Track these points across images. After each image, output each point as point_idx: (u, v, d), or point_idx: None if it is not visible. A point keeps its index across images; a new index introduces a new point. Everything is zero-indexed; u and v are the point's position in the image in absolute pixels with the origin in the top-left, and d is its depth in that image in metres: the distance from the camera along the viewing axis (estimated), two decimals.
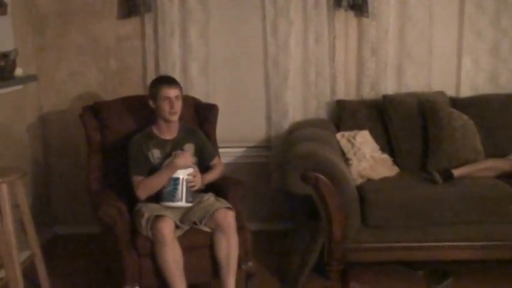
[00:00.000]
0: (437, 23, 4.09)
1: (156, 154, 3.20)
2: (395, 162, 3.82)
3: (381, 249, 3.42)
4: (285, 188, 3.42)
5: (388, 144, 3.90)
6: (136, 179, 3.14)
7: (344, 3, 3.98)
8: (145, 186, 3.11)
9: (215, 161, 3.40)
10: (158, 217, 2.94)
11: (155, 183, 3.11)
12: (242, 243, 3.09)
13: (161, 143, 3.23)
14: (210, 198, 3.19)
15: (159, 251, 2.92)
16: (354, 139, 3.74)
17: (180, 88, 3.26)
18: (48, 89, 4.19)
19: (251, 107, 4.25)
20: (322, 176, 3.26)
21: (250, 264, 3.19)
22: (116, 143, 3.38)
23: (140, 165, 3.16)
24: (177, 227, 3.00)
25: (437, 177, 3.46)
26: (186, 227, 3.05)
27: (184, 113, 3.31)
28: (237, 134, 4.26)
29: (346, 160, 3.65)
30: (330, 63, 4.11)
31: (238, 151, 4.27)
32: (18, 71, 3.59)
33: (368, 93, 4.13)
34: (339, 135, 3.81)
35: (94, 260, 3.80)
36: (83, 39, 4.14)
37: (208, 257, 3.06)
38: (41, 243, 3.50)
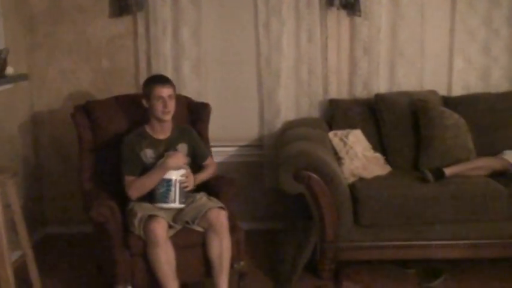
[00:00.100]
0: (429, 22, 4.10)
1: (149, 154, 3.19)
2: (388, 161, 3.83)
3: (373, 248, 3.42)
4: (277, 187, 3.43)
5: (380, 143, 3.90)
6: (128, 179, 3.13)
7: (336, 2, 3.99)
8: (137, 186, 3.10)
9: (208, 161, 3.40)
10: (151, 217, 2.93)
11: (147, 183, 3.10)
12: (234, 243, 3.08)
13: (154, 143, 3.22)
14: (202, 197, 3.18)
15: (151, 251, 2.91)
16: (346, 138, 3.74)
17: (174, 87, 3.25)
18: (39, 88, 4.17)
19: (243, 106, 4.25)
20: (314, 175, 3.26)
21: (242, 263, 3.19)
22: (108, 142, 3.37)
23: (132, 165, 3.15)
24: (170, 226, 3.00)
25: (429, 176, 3.46)
26: (178, 227, 3.05)
27: (177, 112, 3.30)
28: (230, 133, 4.25)
29: (339, 159, 3.65)
30: (323, 62, 4.11)
31: (231, 150, 4.27)
32: (9, 70, 3.56)
33: (360, 92, 4.14)
34: (331, 134, 3.81)
35: (86, 260, 3.78)
36: (75, 38, 4.12)
37: (200, 256, 3.06)
38: (33, 243, 3.49)
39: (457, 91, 4.15)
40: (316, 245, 3.43)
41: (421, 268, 3.53)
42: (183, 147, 3.27)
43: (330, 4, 4.00)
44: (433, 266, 3.53)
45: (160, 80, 3.25)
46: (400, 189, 3.44)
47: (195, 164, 3.31)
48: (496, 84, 4.14)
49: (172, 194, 3.06)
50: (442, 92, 4.12)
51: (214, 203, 3.11)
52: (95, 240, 3.35)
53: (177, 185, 3.07)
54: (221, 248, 3.01)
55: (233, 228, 3.11)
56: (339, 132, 3.81)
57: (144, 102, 3.22)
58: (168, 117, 3.20)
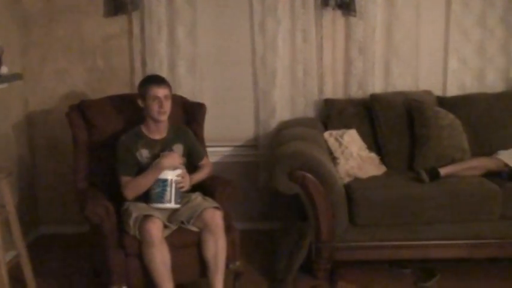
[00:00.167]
0: (424, 22, 4.11)
1: (144, 154, 3.18)
2: (383, 161, 3.83)
3: (368, 248, 3.43)
4: (272, 187, 3.42)
5: (375, 143, 3.91)
6: (124, 179, 3.12)
7: (331, 2, 3.99)
8: (132, 187, 3.10)
9: (204, 161, 3.40)
10: (146, 217, 2.93)
11: (143, 183, 3.09)
12: (230, 243, 3.08)
13: (150, 143, 3.21)
14: (197, 197, 3.18)
15: (146, 251, 2.90)
16: (342, 138, 3.74)
17: (170, 88, 3.24)
18: (34, 87, 4.15)
19: (239, 106, 4.24)
20: (309, 175, 3.26)
21: (238, 263, 3.19)
22: (102, 142, 3.36)
23: (128, 165, 3.15)
24: (165, 226, 2.99)
25: (424, 176, 3.47)
26: (174, 227, 3.04)
27: (172, 112, 3.29)
28: (225, 133, 4.25)
29: (334, 159, 3.65)
30: (318, 62, 4.12)
31: (226, 150, 4.26)
32: (4, 70, 3.53)
33: (355, 92, 4.14)
34: (326, 134, 3.81)
35: (80, 260, 3.77)
36: (69, 38, 4.11)
37: (196, 256, 3.05)
38: (27, 243, 3.48)
39: (452, 91, 4.16)
40: (312, 245, 3.43)
41: (416, 268, 3.54)
42: (178, 148, 3.27)
43: (325, 4, 4.01)
44: (428, 265, 3.53)
45: (156, 80, 3.24)
46: (395, 189, 3.44)
47: (191, 164, 3.31)
48: (491, 84, 4.15)
49: (168, 194, 3.06)
50: (437, 92, 4.13)
51: (210, 203, 3.10)
52: (90, 240, 3.34)
53: (173, 185, 3.07)
54: (216, 248, 3.01)
55: (228, 228, 3.11)
56: (334, 132, 3.81)
57: (139, 102, 3.21)
58: (164, 118, 3.19)
